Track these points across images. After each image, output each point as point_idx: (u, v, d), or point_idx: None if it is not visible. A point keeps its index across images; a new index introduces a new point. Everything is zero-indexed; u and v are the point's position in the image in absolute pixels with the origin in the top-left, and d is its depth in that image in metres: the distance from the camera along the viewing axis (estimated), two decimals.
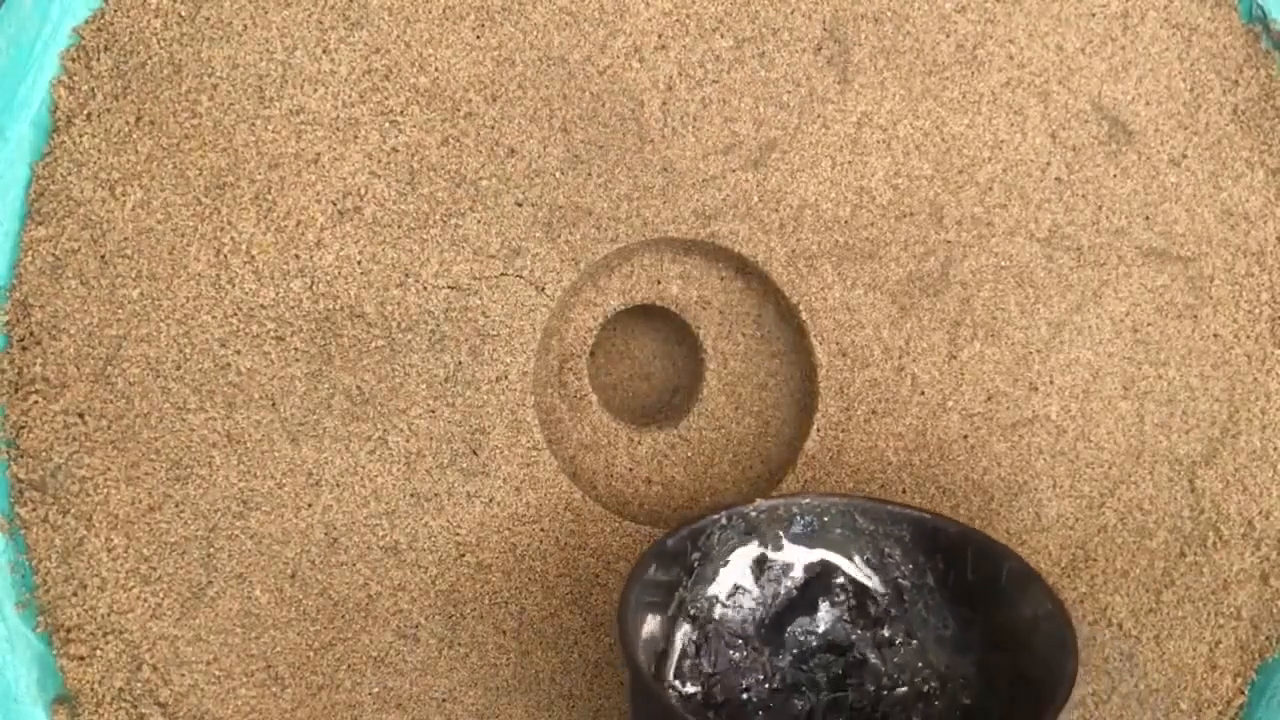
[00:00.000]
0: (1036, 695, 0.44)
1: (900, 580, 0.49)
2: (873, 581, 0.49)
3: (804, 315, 0.52)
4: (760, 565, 0.49)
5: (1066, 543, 0.52)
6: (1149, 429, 0.52)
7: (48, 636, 0.51)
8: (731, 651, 0.48)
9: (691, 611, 0.48)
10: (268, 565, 0.51)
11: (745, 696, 0.48)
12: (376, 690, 0.51)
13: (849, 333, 0.52)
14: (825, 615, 0.49)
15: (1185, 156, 0.52)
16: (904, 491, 0.52)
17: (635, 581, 0.46)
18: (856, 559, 0.49)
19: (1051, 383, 0.52)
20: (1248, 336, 0.52)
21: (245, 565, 0.51)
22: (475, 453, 0.51)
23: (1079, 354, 0.52)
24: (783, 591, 0.49)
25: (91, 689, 0.50)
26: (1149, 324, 0.52)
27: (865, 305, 0.52)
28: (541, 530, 0.52)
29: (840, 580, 0.49)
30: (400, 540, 0.51)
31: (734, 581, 0.48)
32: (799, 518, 0.49)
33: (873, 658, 0.48)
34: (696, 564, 0.48)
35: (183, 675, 0.51)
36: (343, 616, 0.51)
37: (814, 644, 0.49)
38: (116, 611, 0.50)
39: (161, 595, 0.51)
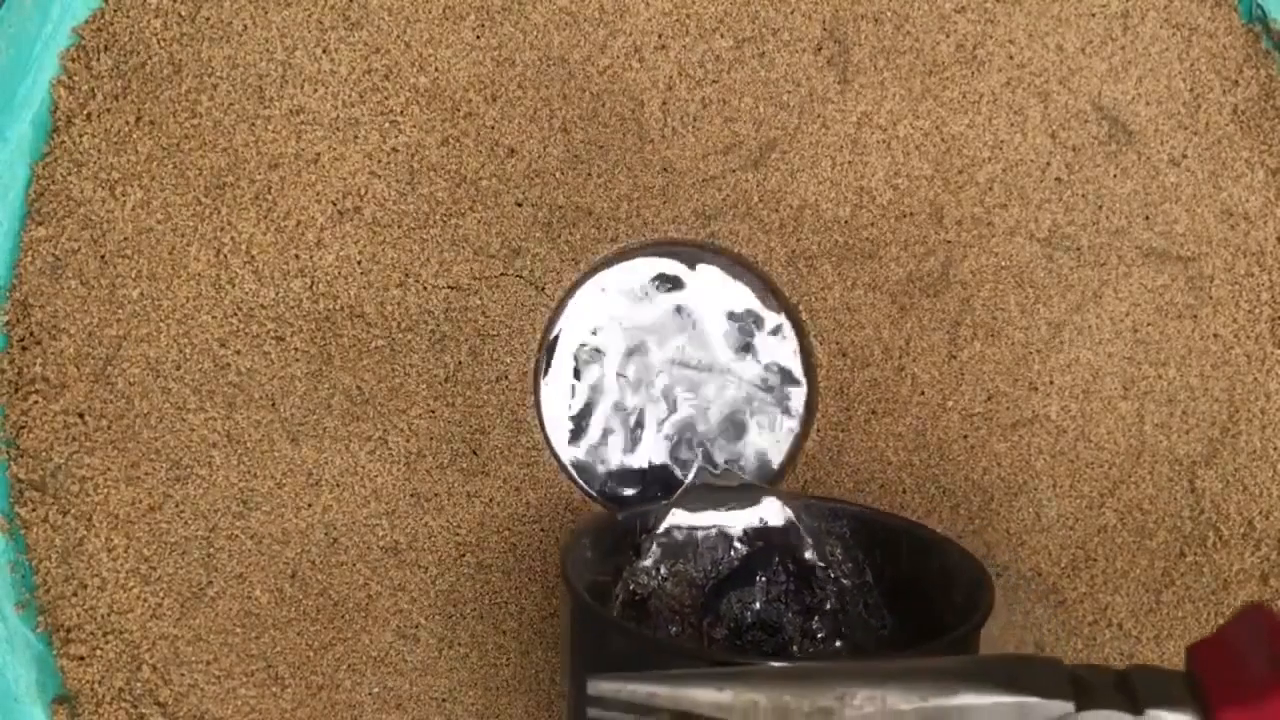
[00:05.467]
0: None
1: (842, 580, 0.49)
2: (811, 553, 0.49)
3: (804, 315, 0.52)
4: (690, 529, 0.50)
5: (1066, 543, 0.52)
6: (1149, 429, 0.52)
7: (48, 636, 0.51)
8: (671, 626, 0.49)
9: (632, 586, 0.49)
10: (268, 565, 0.51)
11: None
12: (376, 690, 0.51)
13: (849, 333, 0.52)
14: (761, 591, 0.49)
15: (1185, 156, 0.52)
16: (904, 491, 0.52)
17: (583, 533, 0.48)
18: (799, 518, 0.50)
19: (1051, 383, 0.52)
20: (1248, 336, 0.52)
21: (245, 565, 0.51)
22: (475, 453, 0.51)
23: (1079, 354, 0.52)
24: (724, 560, 0.50)
25: (91, 689, 0.50)
26: (1149, 324, 0.52)
27: (865, 305, 0.52)
28: (541, 530, 0.52)
29: (779, 560, 0.50)
30: (400, 540, 0.51)
31: (668, 532, 0.49)
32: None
33: (794, 646, 0.49)
34: (643, 543, 0.49)
35: (183, 675, 0.51)
36: (343, 616, 0.51)
37: (749, 619, 0.49)
38: (116, 611, 0.50)
39: (161, 595, 0.51)
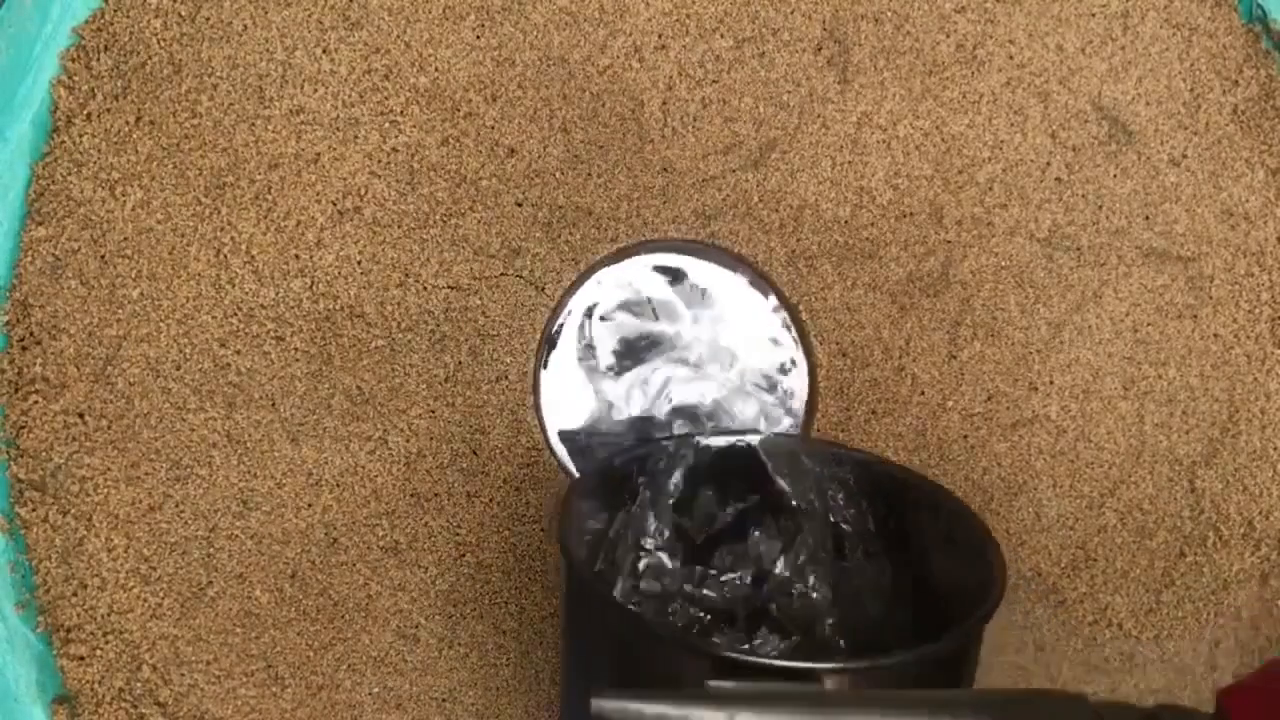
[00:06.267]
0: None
1: (842, 525, 0.49)
2: (787, 490, 0.49)
3: (804, 315, 0.52)
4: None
5: (1066, 543, 0.52)
6: (1149, 429, 0.52)
7: (48, 636, 0.51)
8: (665, 577, 0.49)
9: (630, 539, 0.48)
10: (268, 565, 0.51)
11: (671, 620, 0.49)
12: (376, 690, 0.51)
13: (849, 333, 0.52)
14: (752, 547, 0.49)
15: (1185, 156, 0.52)
16: None
17: (575, 491, 0.47)
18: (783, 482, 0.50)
19: (1051, 383, 0.52)
20: (1248, 336, 0.52)
21: (245, 565, 0.51)
22: (475, 453, 0.51)
23: (1079, 354, 0.52)
24: (719, 517, 0.50)
25: (91, 689, 0.50)
26: (1149, 324, 0.52)
27: (865, 305, 0.52)
28: (541, 530, 0.52)
29: (768, 514, 0.49)
30: (400, 540, 0.51)
31: (673, 488, 0.49)
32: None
33: (773, 608, 0.48)
34: (642, 487, 0.49)
35: (183, 675, 0.51)
36: (343, 616, 0.51)
37: (739, 574, 0.49)
38: (116, 611, 0.50)
39: (161, 595, 0.51)
